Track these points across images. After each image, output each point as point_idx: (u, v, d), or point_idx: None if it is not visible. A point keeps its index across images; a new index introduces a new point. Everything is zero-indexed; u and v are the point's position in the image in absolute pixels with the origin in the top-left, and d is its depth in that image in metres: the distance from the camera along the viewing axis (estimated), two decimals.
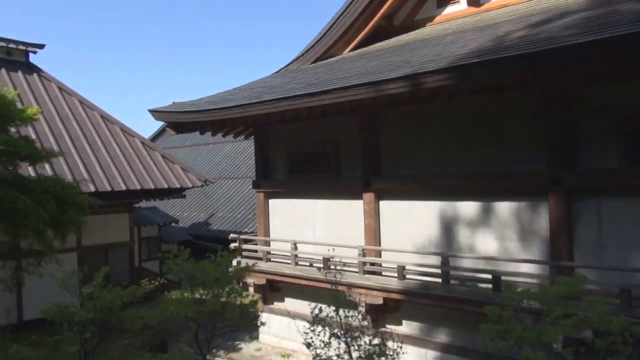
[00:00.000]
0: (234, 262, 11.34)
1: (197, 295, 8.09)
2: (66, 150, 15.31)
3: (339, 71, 8.72)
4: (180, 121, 10.27)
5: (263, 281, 10.42)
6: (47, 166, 13.61)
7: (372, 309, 9.13)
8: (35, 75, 17.51)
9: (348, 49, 10.21)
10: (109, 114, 18.27)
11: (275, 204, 10.93)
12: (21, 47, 17.25)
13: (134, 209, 18.04)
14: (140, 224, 19.55)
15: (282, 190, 10.73)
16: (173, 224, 21.24)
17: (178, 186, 17.50)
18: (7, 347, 11.23)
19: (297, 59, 10.71)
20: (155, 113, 10.68)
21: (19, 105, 11.37)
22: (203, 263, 7.62)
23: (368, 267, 9.03)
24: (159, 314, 7.51)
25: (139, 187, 16.14)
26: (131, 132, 18.54)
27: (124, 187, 15.64)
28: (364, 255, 9.01)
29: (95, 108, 18.05)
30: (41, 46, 17.90)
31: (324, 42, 10.19)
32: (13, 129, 10.60)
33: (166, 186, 17.12)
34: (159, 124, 37.40)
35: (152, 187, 16.56)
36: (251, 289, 10.74)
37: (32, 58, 17.88)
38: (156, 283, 9.30)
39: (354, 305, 9.32)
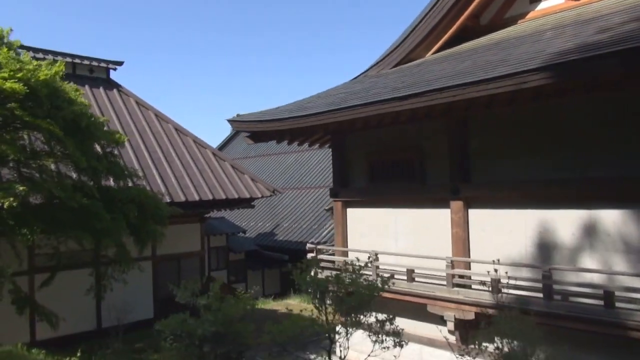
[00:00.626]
0: (312, 273, 11.17)
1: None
2: (143, 162, 15.83)
3: (427, 73, 8.37)
4: (259, 130, 10.25)
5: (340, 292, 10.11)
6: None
7: (461, 325, 8.62)
8: (115, 90, 18.31)
9: (431, 52, 9.85)
10: (182, 126, 18.81)
11: (353, 213, 10.66)
12: (102, 64, 18.11)
13: (205, 219, 18.38)
14: (210, 234, 19.85)
15: (361, 199, 10.44)
16: (240, 234, 21.50)
17: (248, 196, 17.66)
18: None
19: (376, 64, 10.46)
20: (234, 123, 10.75)
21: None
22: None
23: (457, 280, 8.54)
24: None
25: (210, 197, 16.41)
26: (203, 143, 18.97)
27: (197, 198, 15.94)
28: (452, 267, 8.54)
29: (169, 121, 18.63)
30: (120, 63, 18.72)
31: (406, 46, 9.90)
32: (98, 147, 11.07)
33: (237, 196, 17.31)
34: (224, 135, 38.45)
35: (224, 197, 16.79)
36: (328, 301, 10.45)
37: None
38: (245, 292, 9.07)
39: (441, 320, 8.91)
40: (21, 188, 7.99)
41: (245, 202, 18.22)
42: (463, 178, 8.60)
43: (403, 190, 9.55)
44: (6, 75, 7.99)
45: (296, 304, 15.80)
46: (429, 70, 8.64)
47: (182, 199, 15.45)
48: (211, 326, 6.95)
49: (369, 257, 9.52)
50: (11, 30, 9.18)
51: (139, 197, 10.19)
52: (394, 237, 9.89)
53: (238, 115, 11.93)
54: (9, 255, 9.71)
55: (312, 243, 10.97)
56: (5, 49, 8.57)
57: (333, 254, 11.01)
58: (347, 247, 10.69)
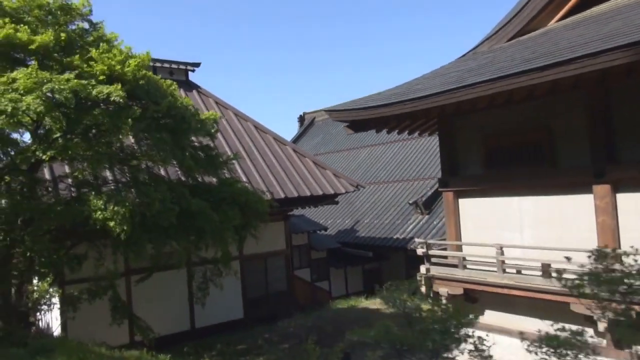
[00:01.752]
0: (422, 270, 10.38)
1: None
2: None
3: (561, 41, 7.36)
4: (361, 119, 9.58)
5: (460, 291, 9.27)
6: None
7: (614, 326, 7.54)
8: (194, 91, 18.33)
9: (554, 20, 8.80)
10: (261, 124, 18.56)
11: (466, 204, 9.76)
12: (181, 66, 18.18)
13: (288, 217, 18.03)
14: (292, 232, 19.49)
15: (476, 188, 9.53)
16: (321, 232, 21.04)
17: (332, 192, 17.10)
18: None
19: (487, 39, 9.51)
20: (333, 113, 10.14)
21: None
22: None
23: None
24: None
25: (295, 195, 16.00)
26: (283, 140, 18.64)
27: (282, 195, 15.57)
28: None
29: (248, 119, 18.44)
30: (198, 65, 18.72)
31: (523, 16, 8.89)
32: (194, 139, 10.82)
33: (320, 192, 16.79)
34: (292, 131, 38.30)
35: (308, 193, 16.33)
36: (443, 299, 9.63)
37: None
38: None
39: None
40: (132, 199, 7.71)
41: (329, 199, 17.69)
42: (608, 158, 7.52)
43: (528, 175, 8.56)
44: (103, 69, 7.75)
45: None
46: (562, 37, 7.61)
47: (268, 196, 15.06)
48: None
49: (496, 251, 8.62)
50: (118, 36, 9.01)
51: (242, 196, 9.86)
52: (517, 229, 8.92)
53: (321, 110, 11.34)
54: (108, 260, 9.62)
55: (420, 240, 10.14)
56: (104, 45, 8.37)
57: (446, 249, 10.16)
58: (460, 240, 9.81)
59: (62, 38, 8.02)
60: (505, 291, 8.56)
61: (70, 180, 9.84)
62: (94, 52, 7.94)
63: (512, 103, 7.85)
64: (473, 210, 9.65)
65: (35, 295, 7.71)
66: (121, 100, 7.29)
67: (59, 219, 7.63)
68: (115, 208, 7.16)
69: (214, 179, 10.60)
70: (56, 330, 11.89)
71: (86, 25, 9.16)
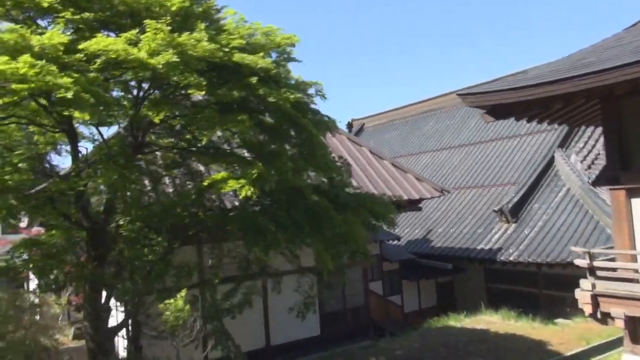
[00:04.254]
0: (586, 285, 8.65)
1: None
2: None
3: None
4: (508, 102, 8.01)
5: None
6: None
7: None
8: None
9: None
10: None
11: None
12: None
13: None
14: None
15: None
16: (394, 242, 19.41)
17: (416, 197, 15.51)
18: None
19: None
20: (468, 97, 8.59)
21: None
22: None
23: None
24: None
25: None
26: (358, 141, 17.19)
27: None
28: None
29: None
30: None
31: None
32: None
33: (404, 197, 15.24)
34: None
35: (392, 198, 14.78)
36: (617, 322, 7.88)
37: None
38: None
39: None
40: (254, 172, 6.30)
41: (412, 204, 16.11)
42: None
43: None
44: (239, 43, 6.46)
45: (500, 323, 13.26)
46: None
47: None
48: None
49: None
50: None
51: (368, 202, 8.45)
52: None
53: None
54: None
55: (581, 249, 8.45)
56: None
57: (614, 259, 8.43)
58: (635, 249, 8.07)
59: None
60: None
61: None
62: (229, 23, 6.65)
63: None
64: None
65: (170, 315, 6.28)
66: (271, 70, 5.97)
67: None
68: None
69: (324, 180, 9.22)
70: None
71: None
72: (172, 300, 6.48)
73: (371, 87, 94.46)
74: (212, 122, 6.65)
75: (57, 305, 17.66)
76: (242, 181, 6.13)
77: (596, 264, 8.19)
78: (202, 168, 9.48)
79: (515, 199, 17.99)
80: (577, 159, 18.26)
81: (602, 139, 18.93)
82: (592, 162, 17.96)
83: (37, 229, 17.66)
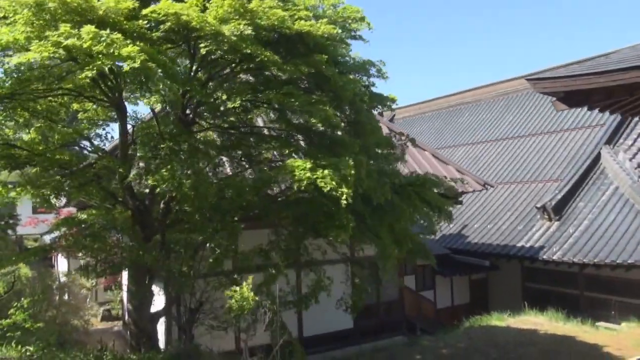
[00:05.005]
0: None
1: None
2: None
3: None
4: (587, 88, 7.38)
5: None
6: None
7: None
8: None
9: None
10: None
11: None
12: None
13: None
14: None
15: None
16: (429, 236, 18.81)
17: (458, 190, 14.93)
18: None
19: None
20: (539, 83, 7.97)
21: None
22: None
23: None
24: None
25: None
26: (397, 128, 16.61)
27: None
28: None
29: None
30: None
31: None
32: None
33: (442, 190, 14.66)
34: None
35: (434, 190, 14.20)
36: None
37: None
38: None
39: None
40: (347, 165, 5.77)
41: (452, 198, 15.53)
42: None
43: None
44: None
45: (548, 324, 12.65)
46: None
47: None
48: None
49: None
50: None
51: (429, 191, 7.97)
52: None
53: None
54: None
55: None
56: None
57: None
58: None
59: None
60: None
61: None
62: None
63: None
64: None
65: (235, 303, 5.88)
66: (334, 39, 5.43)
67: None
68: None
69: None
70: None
71: None
72: (237, 289, 6.10)
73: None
74: (300, 102, 6.08)
75: (86, 287, 17.58)
76: (335, 176, 5.52)
77: None
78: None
79: (559, 196, 17.23)
80: (625, 156, 17.41)
81: None
82: None
83: (67, 210, 17.56)
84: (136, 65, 4.70)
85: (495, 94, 27.24)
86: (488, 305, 19.54)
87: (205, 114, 8.09)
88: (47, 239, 16.40)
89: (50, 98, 7.45)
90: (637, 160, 17.14)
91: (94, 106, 8.24)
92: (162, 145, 6.83)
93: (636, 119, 18.85)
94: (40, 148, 7.34)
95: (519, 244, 16.97)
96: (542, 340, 10.86)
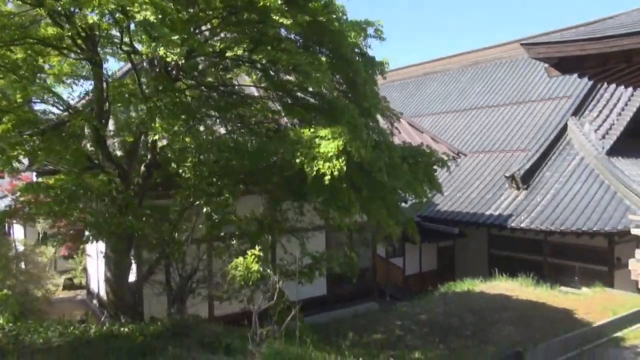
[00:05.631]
0: None
1: None
2: None
3: None
4: (582, 54, 7.31)
5: None
6: None
7: None
8: None
9: None
10: None
11: None
12: None
13: None
14: None
15: None
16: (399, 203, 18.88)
17: (448, 162, 14.95)
18: None
19: None
20: (533, 48, 7.84)
21: None
22: None
23: None
24: None
25: None
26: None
27: None
28: None
29: None
30: None
31: None
32: None
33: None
34: None
35: None
36: None
37: None
38: None
39: None
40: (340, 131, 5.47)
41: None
42: None
43: None
44: None
45: (519, 289, 13.01)
46: None
47: None
48: None
49: None
50: None
51: (425, 157, 7.78)
52: None
53: None
54: None
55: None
56: None
57: None
58: None
59: None
60: None
61: None
62: None
63: None
64: None
65: (238, 274, 5.55)
66: None
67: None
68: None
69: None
70: None
71: None
72: (241, 259, 5.78)
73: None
74: (297, 60, 5.64)
75: (45, 255, 16.77)
76: (336, 144, 5.22)
77: None
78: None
79: (527, 166, 17.60)
80: (591, 128, 17.89)
81: (616, 109, 18.68)
82: (607, 132, 17.64)
83: (25, 175, 16.50)
84: (149, 15, 4.17)
85: (463, 64, 27.33)
86: (454, 271, 20.05)
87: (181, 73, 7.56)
88: (1, 205, 15.43)
89: (12, 49, 6.73)
90: (602, 132, 17.65)
91: (62, 61, 7.54)
92: (144, 106, 6.32)
93: (602, 91, 19.38)
94: (4, 104, 6.67)
95: (488, 212, 17.31)
96: (515, 306, 11.17)
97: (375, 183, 6.69)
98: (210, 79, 8.34)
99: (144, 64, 7.73)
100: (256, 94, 8.68)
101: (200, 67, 8.53)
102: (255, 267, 5.68)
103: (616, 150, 17.03)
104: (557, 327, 9.68)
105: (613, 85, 18.77)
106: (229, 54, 5.81)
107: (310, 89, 6.76)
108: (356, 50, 7.20)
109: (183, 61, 6.16)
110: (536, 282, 13.70)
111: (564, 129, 18.52)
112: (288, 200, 7.90)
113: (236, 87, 9.10)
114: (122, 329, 5.99)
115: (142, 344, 5.22)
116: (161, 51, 4.71)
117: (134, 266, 7.60)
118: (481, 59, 26.31)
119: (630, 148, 17.65)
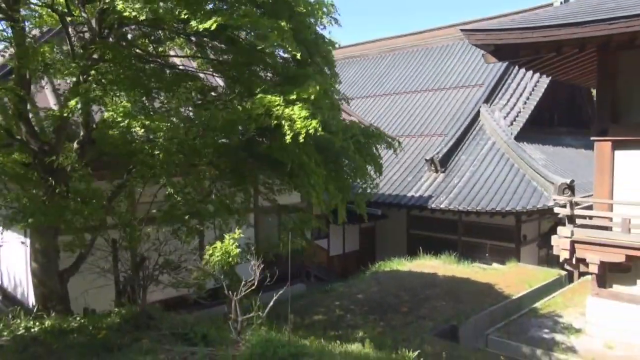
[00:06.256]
0: (563, 232, 8.96)
1: None
2: None
3: None
4: (517, 42, 7.75)
5: (618, 258, 8.00)
6: None
7: None
8: None
9: None
10: None
11: (629, 157, 8.41)
12: None
13: None
14: None
15: None
16: None
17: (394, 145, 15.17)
18: None
19: None
20: (474, 34, 8.14)
21: None
22: None
23: None
24: None
25: None
26: None
27: None
28: None
29: None
30: None
31: None
32: None
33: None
34: None
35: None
36: (591, 267, 8.33)
37: None
38: None
39: None
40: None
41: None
42: None
43: None
44: None
45: (443, 267, 13.69)
46: None
47: None
48: None
49: None
50: None
51: (367, 136, 7.75)
52: None
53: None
54: None
55: (563, 197, 8.69)
56: None
57: (591, 207, 8.81)
58: (612, 199, 8.48)
59: None
60: None
61: None
62: None
63: None
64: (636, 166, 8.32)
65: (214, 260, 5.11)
66: None
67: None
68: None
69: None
70: None
71: None
72: (218, 243, 5.37)
73: None
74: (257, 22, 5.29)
75: None
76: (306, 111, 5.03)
77: (577, 211, 8.49)
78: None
79: (444, 150, 18.51)
80: (500, 114, 19.20)
81: (522, 97, 20.23)
82: (514, 119, 19.05)
83: None
84: None
85: (383, 50, 27.99)
86: (375, 251, 20.75)
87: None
88: None
89: None
90: (510, 119, 19.03)
91: None
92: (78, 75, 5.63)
93: (509, 80, 20.84)
94: None
95: (409, 194, 18.00)
96: (443, 282, 11.79)
97: (332, 163, 6.59)
98: (138, 50, 7.67)
99: (70, 30, 6.91)
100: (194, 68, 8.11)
101: (129, 36, 7.84)
102: (235, 251, 5.36)
103: (522, 136, 18.48)
104: (483, 300, 10.36)
105: (520, 75, 20.35)
106: (192, 23, 5.31)
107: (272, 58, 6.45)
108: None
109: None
110: (457, 259, 14.53)
111: (477, 115, 19.70)
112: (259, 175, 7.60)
113: (173, 59, 8.49)
114: (71, 324, 5.34)
115: (103, 339, 4.68)
116: (120, 5, 4.17)
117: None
118: (399, 45, 27.09)
119: (534, 134, 19.27)
